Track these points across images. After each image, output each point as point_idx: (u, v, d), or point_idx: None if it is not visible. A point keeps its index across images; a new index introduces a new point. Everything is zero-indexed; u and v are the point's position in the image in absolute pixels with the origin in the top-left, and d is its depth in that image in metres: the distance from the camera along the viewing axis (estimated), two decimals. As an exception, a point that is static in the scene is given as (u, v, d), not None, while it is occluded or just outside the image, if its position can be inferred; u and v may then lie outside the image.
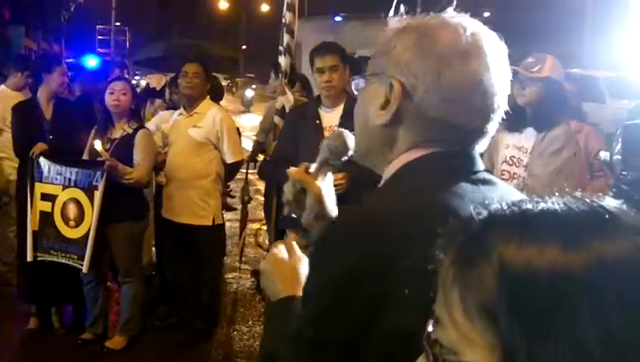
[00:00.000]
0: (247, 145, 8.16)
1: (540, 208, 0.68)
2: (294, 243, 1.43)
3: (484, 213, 0.71)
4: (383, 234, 1.06)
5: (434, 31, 1.17)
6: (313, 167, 1.49)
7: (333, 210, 1.47)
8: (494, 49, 1.18)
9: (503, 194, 1.17)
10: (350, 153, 1.46)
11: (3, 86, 5.98)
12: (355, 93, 1.30)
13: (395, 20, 1.24)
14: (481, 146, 1.22)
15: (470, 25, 1.18)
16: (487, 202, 0.73)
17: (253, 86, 32.14)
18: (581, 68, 14.61)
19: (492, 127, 1.20)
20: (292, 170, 1.50)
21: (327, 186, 1.49)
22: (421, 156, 1.18)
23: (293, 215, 1.47)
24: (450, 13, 1.20)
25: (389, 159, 1.23)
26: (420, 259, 0.89)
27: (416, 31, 1.18)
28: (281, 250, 1.40)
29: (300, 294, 1.27)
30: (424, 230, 0.87)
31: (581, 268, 0.62)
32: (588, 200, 0.68)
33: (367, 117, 1.23)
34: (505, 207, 0.71)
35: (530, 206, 0.69)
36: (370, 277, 1.04)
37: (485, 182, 1.19)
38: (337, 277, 1.08)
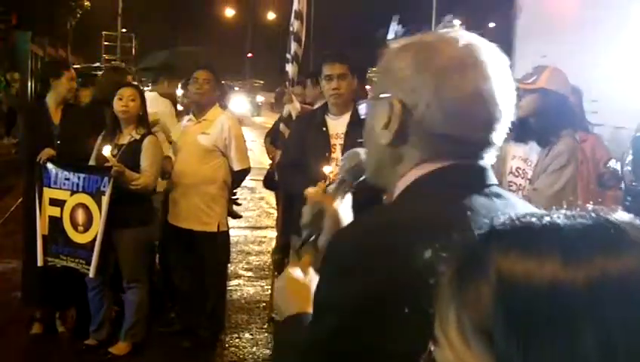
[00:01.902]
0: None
1: (543, 222, 0.67)
2: (309, 263, 1.42)
3: (485, 227, 0.70)
4: (397, 257, 1.04)
5: (430, 46, 1.19)
6: (331, 188, 1.48)
7: None
8: (493, 59, 1.18)
9: (514, 209, 1.14)
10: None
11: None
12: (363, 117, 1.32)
13: (396, 42, 1.26)
14: (489, 158, 1.22)
15: (465, 37, 1.19)
16: (492, 215, 0.71)
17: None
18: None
19: (498, 137, 1.20)
20: (310, 191, 1.49)
21: (345, 207, 1.48)
22: (430, 171, 1.18)
23: (311, 237, 1.45)
24: (447, 30, 1.22)
25: (398, 176, 1.23)
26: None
27: (412, 48, 1.21)
28: (296, 270, 1.40)
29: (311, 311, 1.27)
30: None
31: (582, 284, 0.60)
32: (594, 215, 0.67)
33: (373, 137, 1.25)
34: (507, 221, 0.69)
35: (533, 220, 0.68)
36: (383, 301, 1.04)
37: (498, 195, 1.18)
38: (355, 297, 1.08)
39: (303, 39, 5.30)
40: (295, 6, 5.26)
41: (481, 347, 0.63)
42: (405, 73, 1.18)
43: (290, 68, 5.25)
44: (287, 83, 5.39)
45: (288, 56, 5.27)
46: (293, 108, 5.58)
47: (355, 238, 1.14)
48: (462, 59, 1.16)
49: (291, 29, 5.27)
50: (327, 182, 1.51)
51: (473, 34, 1.21)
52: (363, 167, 1.44)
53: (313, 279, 1.36)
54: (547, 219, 0.67)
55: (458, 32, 1.20)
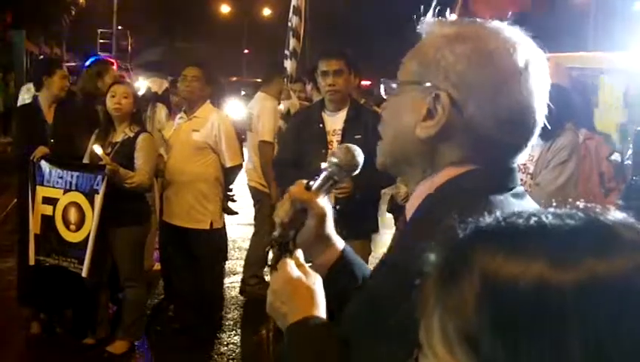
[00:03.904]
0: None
1: (530, 222, 0.64)
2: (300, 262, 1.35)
3: (470, 227, 0.67)
4: None
5: (489, 43, 1.11)
6: (315, 184, 1.40)
7: (332, 230, 1.43)
8: (541, 61, 1.13)
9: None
10: (359, 169, 1.40)
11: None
12: (384, 96, 1.23)
13: (438, 24, 1.17)
14: (520, 159, 1.18)
15: (519, 37, 1.13)
16: (475, 216, 0.68)
17: None
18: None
19: (533, 140, 1.16)
20: (293, 189, 1.41)
21: (328, 206, 1.42)
22: (467, 172, 1.13)
23: (286, 237, 1.38)
24: (496, 23, 1.14)
25: (427, 172, 1.17)
26: None
27: (469, 41, 1.12)
28: (293, 269, 1.31)
29: (317, 314, 1.23)
30: None
31: (570, 287, 0.57)
32: (584, 214, 0.64)
33: (404, 126, 1.16)
34: (492, 222, 0.66)
35: (520, 220, 0.65)
36: None
37: (522, 196, 1.15)
38: None
39: (302, 35, 5.25)
40: (294, 1, 5.20)
41: (465, 354, 0.60)
42: (459, 67, 1.10)
43: (288, 64, 5.20)
44: (285, 79, 5.35)
45: (287, 52, 5.23)
46: (292, 104, 5.55)
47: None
48: (521, 64, 1.10)
49: (290, 24, 5.22)
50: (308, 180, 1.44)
51: (521, 33, 1.14)
52: (356, 162, 1.38)
53: (315, 279, 1.30)
54: (534, 219, 0.64)
55: (511, 30, 1.13)
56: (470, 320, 0.60)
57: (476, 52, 1.10)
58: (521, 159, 1.18)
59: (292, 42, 5.15)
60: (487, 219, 0.67)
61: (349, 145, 1.41)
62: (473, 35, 1.13)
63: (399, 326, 1.03)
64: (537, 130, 1.15)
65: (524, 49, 1.11)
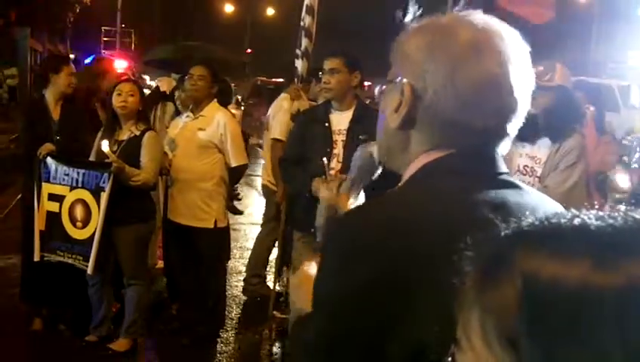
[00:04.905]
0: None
1: (573, 223, 0.63)
2: None
3: (512, 227, 0.66)
4: (401, 246, 1.02)
5: (444, 29, 1.14)
6: (342, 187, 1.47)
7: None
8: (512, 45, 1.12)
9: (526, 199, 1.13)
10: (380, 169, 1.44)
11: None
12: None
13: (414, 23, 1.22)
14: (502, 148, 1.17)
15: (483, 20, 1.13)
16: (503, 207, 0.69)
17: None
18: (587, 76, 14.68)
19: (512, 127, 1.16)
20: (325, 194, 1.49)
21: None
22: (437, 158, 1.14)
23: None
24: (465, 12, 1.16)
25: (407, 162, 1.20)
26: (438, 271, 0.83)
27: (426, 30, 1.16)
28: (312, 267, 1.37)
29: None
30: (442, 239, 0.87)
31: (612, 289, 0.57)
32: (626, 216, 0.63)
33: (386, 121, 1.22)
34: (536, 222, 0.66)
35: (563, 221, 0.64)
36: (389, 290, 1.02)
37: (507, 185, 1.14)
38: (355, 288, 1.05)
39: (314, 35, 5.23)
40: (307, 1, 5.18)
41: (504, 352, 0.60)
42: (417, 56, 1.14)
43: (299, 64, 5.19)
44: (296, 79, 5.34)
45: (298, 51, 5.20)
46: (302, 104, 5.56)
47: (357, 230, 1.10)
48: (478, 43, 1.10)
49: (302, 24, 5.20)
50: (340, 181, 1.49)
51: (491, 17, 1.15)
52: (375, 164, 1.42)
53: None
54: (578, 220, 0.63)
55: (476, 15, 1.14)
56: (510, 319, 0.60)
57: (431, 40, 1.13)
58: (504, 148, 1.18)
59: (304, 42, 5.13)
60: (530, 219, 0.66)
61: (370, 148, 1.44)
62: (431, 25, 1.16)
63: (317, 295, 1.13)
64: (518, 114, 1.15)
65: (486, 31, 1.12)
